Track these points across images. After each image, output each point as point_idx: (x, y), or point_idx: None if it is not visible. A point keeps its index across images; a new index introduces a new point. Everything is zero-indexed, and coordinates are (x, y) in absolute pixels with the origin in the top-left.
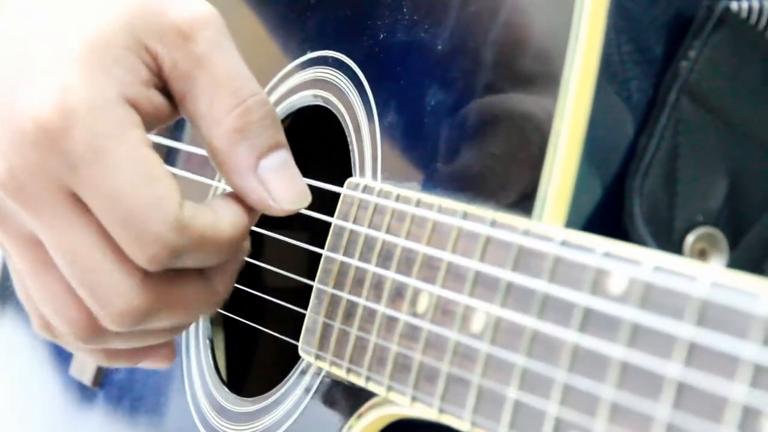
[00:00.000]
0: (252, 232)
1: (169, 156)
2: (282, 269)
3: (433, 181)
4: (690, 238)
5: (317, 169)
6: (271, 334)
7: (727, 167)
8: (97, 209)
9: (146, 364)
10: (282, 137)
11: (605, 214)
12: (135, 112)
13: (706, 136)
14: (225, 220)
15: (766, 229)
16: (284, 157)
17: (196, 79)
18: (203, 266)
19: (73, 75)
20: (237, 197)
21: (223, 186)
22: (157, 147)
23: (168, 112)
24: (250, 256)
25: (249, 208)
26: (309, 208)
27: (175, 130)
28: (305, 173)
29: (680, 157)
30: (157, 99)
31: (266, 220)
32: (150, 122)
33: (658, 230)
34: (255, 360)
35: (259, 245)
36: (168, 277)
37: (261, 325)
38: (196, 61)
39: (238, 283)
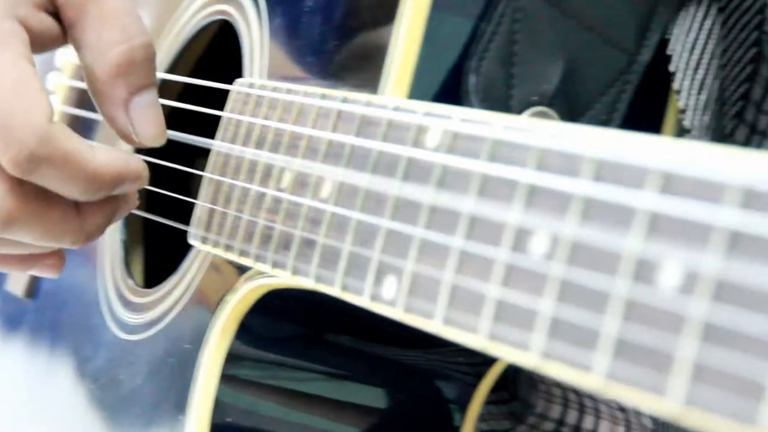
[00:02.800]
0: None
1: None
2: (183, 166)
3: (307, 74)
4: (524, 117)
5: (222, 78)
6: (180, 231)
7: (563, 54)
8: None
9: (35, 272)
10: (154, 78)
11: (445, 92)
12: (23, 29)
13: (542, 23)
14: (97, 154)
15: (601, 114)
16: (153, 97)
17: (88, 9)
18: (65, 192)
19: None
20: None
21: None
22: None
23: (57, 37)
24: (156, 156)
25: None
26: (208, 107)
27: None
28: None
29: (517, 43)
30: (48, 22)
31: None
32: (39, 44)
33: (493, 107)
34: (167, 257)
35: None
36: (37, 194)
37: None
38: None
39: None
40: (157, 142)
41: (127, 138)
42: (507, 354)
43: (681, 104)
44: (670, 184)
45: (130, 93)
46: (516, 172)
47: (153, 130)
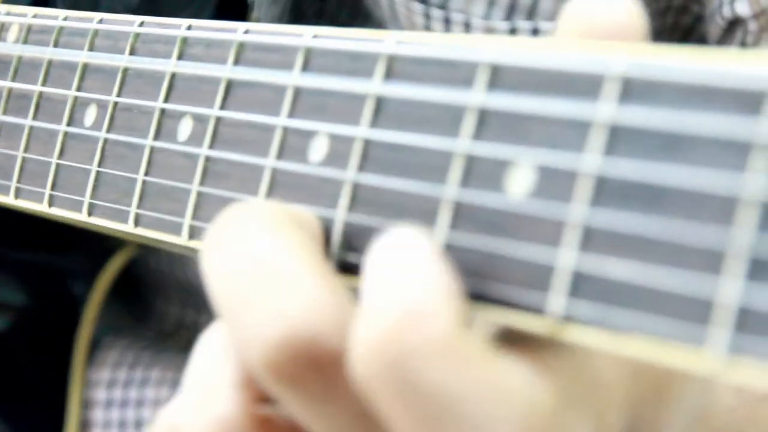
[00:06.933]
0: None
1: None
2: None
3: None
4: None
5: None
6: None
7: None
8: None
9: None
10: None
11: (37, 4)
12: None
13: None
14: None
15: None
16: None
17: None
18: None
19: None
20: None
21: None
22: None
23: None
24: None
25: None
26: None
27: None
28: None
29: None
30: None
31: None
32: None
33: None
34: None
35: None
36: None
37: None
38: None
39: None
40: None
41: None
42: (65, 215)
43: (254, 16)
44: (185, 51)
45: None
46: (72, 54)
47: None
